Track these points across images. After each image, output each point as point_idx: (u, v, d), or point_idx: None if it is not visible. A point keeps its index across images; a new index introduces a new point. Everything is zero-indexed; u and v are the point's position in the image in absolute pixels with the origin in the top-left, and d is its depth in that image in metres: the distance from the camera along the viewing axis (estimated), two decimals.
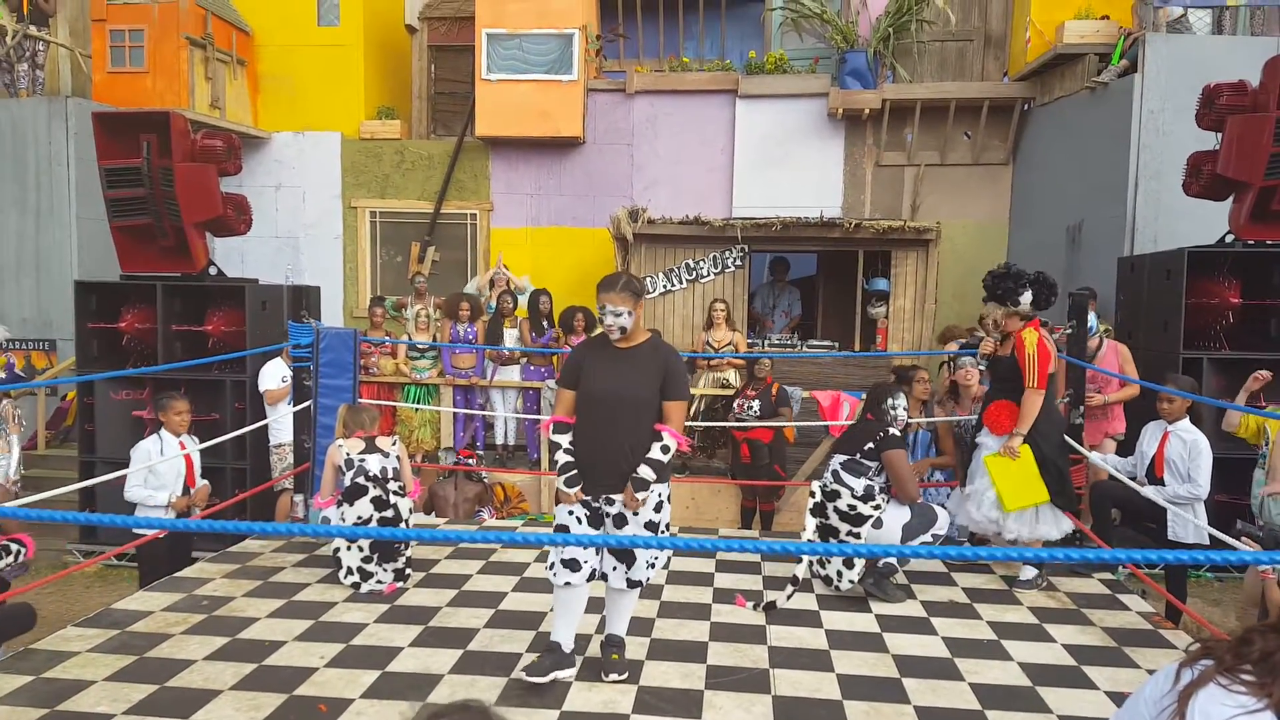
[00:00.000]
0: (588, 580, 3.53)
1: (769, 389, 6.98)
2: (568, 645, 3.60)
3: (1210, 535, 4.65)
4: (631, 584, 3.54)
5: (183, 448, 5.21)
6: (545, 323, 8.33)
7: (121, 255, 7.21)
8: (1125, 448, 5.98)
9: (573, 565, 3.50)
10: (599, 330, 3.50)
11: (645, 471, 3.44)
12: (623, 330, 3.48)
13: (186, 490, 5.22)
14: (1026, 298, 4.74)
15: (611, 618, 3.67)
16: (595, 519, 3.55)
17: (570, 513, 3.55)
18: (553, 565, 3.55)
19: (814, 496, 4.62)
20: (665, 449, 3.47)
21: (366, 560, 4.57)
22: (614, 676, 3.55)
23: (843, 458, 4.61)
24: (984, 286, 4.91)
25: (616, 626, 3.66)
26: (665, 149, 10.62)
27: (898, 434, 4.57)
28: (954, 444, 5.79)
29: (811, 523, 4.59)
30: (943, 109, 9.98)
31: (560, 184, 10.82)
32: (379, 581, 4.57)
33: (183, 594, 4.51)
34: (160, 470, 5.09)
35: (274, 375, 6.85)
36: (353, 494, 4.58)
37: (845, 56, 10.06)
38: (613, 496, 3.50)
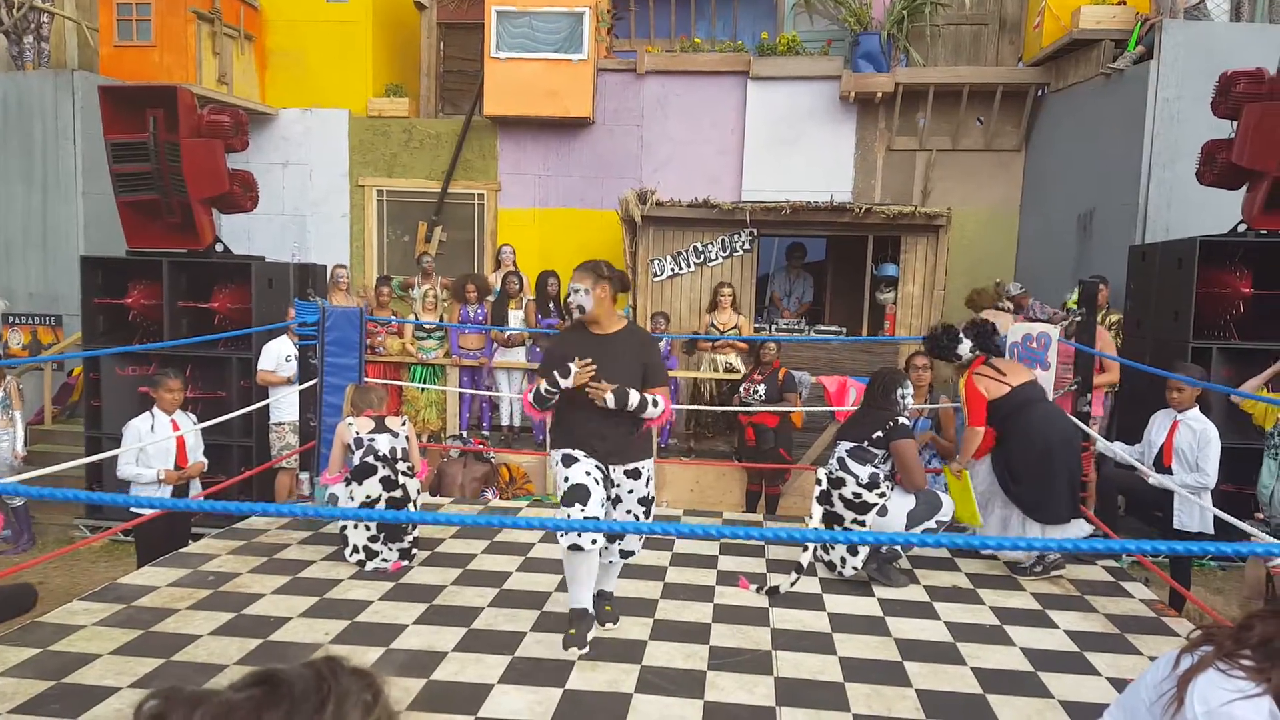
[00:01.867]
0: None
1: (775, 373, 6.97)
2: (591, 607, 3.75)
3: (1218, 521, 4.63)
4: (625, 554, 3.86)
5: (175, 426, 5.21)
6: (552, 305, 8.31)
7: (128, 231, 7.20)
8: (1128, 436, 5.95)
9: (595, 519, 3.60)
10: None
11: (634, 396, 3.55)
12: (580, 309, 3.64)
13: (177, 467, 5.23)
14: (964, 348, 4.88)
15: (603, 580, 3.88)
16: (605, 478, 3.63)
17: (588, 473, 3.54)
18: (566, 532, 3.49)
19: (820, 484, 4.61)
20: (655, 403, 3.62)
21: (373, 539, 4.58)
22: (609, 625, 3.84)
23: (849, 445, 4.59)
24: (925, 349, 5.07)
25: (607, 584, 3.93)
26: (675, 130, 10.55)
27: (907, 423, 4.55)
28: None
29: (818, 510, 4.59)
30: (956, 93, 9.90)
31: (569, 165, 10.77)
32: (384, 560, 4.59)
33: (188, 569, 4.52)
34: (149, 449, 5.11)
35: (272, 356, 6.83)
36: (362, 473, 4.58)
37: (858, 39, 9.97)
38: (625, 468, 3.68)
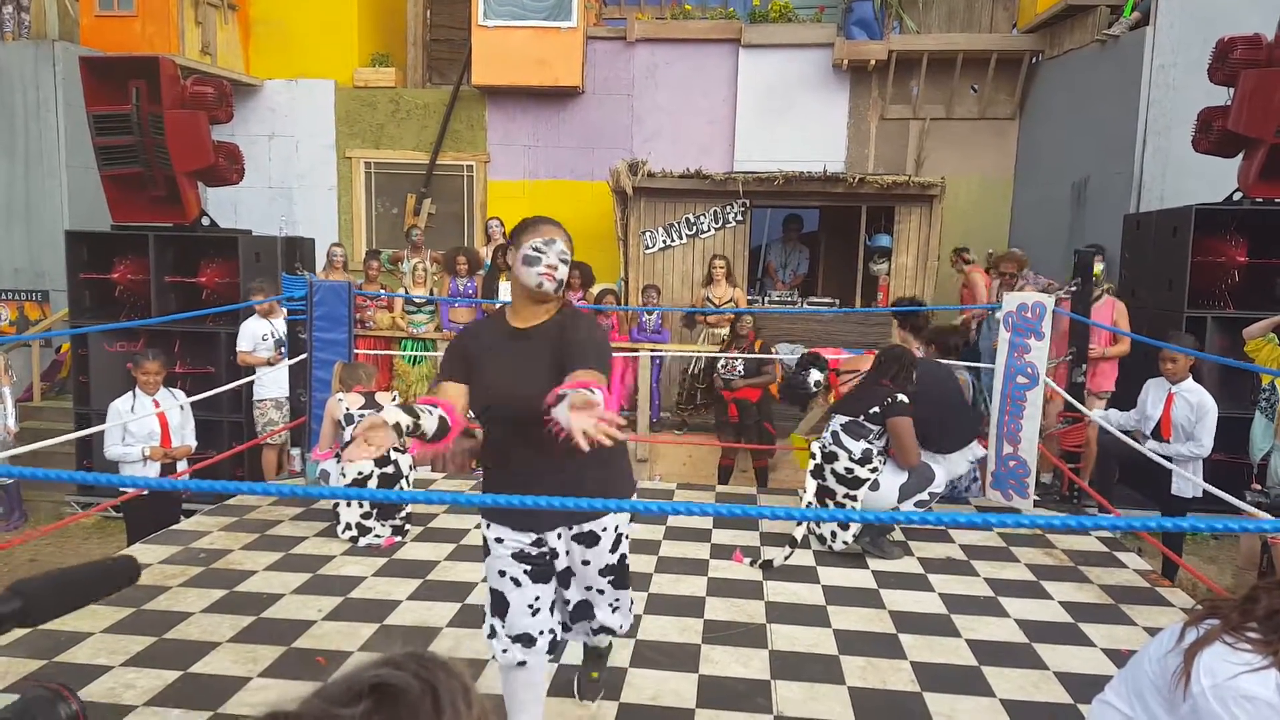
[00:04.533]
0: (549, 651, 2.64)
1: (752, 346, 6.95)
2: None
3: (1211, 493, 4.63)
4: (599, 633, 2.75)
5: (157, 406, 5.15)
6: None
7: (112, 205, 7.11)
8: (1122, 404, 5.94)
9: (525, 639, 2.57)
10: (534, 286, 2.43)
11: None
12: (560, 284, 2.44)
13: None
14: (814, 375, 5.13)
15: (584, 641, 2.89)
16: (540, 571, 2.58)
17: (502, 573, 2.55)
18: (494, 633, 2.60)
19: (814, 458, 4.60)
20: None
21: (365, 516, 4.55)
22: (585, 701, 3.00)
23: (844, 419, 4.56)
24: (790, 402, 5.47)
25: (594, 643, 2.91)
26: (666, 100, 10.42)
27: (906, 400, 4.49)
28: None
29: (811, 484, 4.58)
30: (950, 61, 9.78)
31: (559, 135, 10.64)
32: (377, 536, 4.56)
33: (180, 546, 4.50)
34: (133, 429, 5.05)
35: (249, 336, 6.74)
36: None
37: (851, 5, 9.82)
38: (574, 533, 2.54)
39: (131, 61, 6.96)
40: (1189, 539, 5.96)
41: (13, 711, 0.89)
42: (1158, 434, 5.01)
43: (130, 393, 5.13)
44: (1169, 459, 4.88)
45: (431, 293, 8.25)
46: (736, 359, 6.89)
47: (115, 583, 1.36)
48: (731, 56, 10.28)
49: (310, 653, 3.39)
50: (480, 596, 3.94)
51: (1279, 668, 1.53)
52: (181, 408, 5.31)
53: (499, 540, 2.55)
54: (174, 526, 4.86)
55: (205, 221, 7.23)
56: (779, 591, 4.06)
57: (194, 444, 5.45)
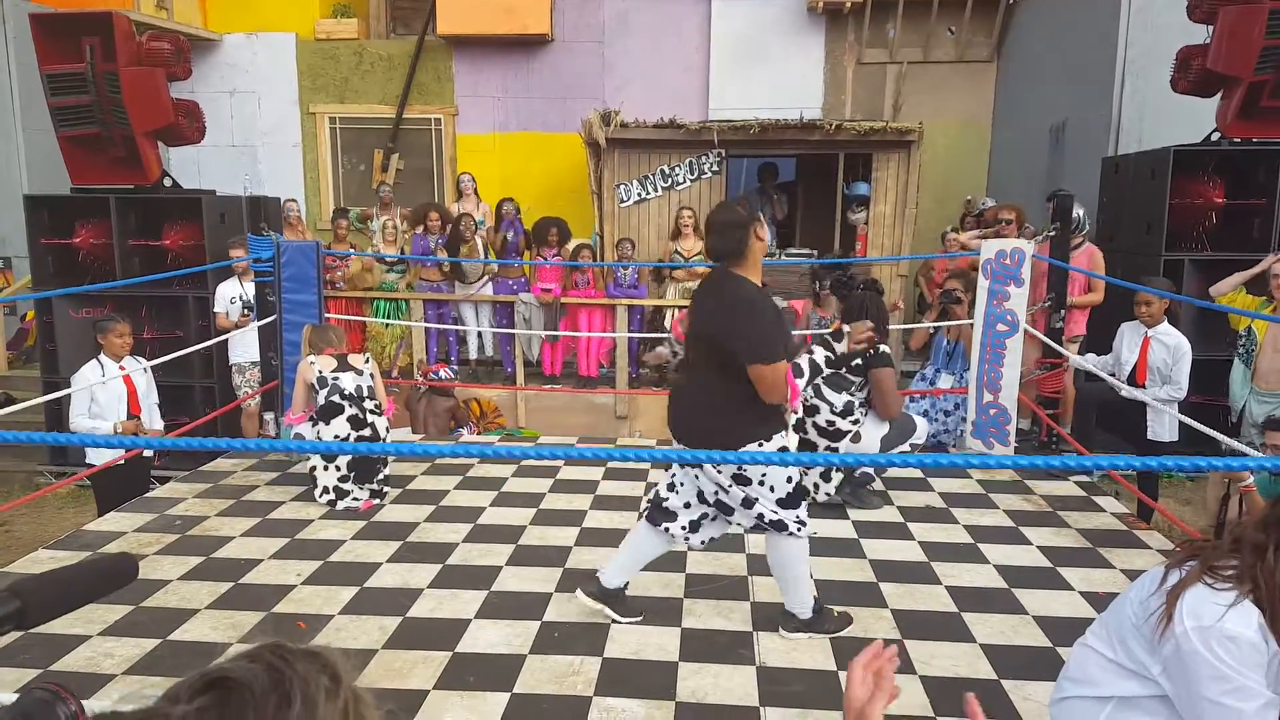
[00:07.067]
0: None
1: None
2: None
3: (1192, 430, 4.66)
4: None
5: (126, 378, 5.00)
6: (508, 228, 8.08)
7: (70, 167, 6.89)
8: (1098, 348, 5.96)
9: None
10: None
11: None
12: None
13: (131, 415, 5.04)
14: None
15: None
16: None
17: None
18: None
19: (795, 412, 4.57)
20: None
21: (343, 479, 4.49)
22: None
23: (827, 371, 4.53)
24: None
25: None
26: (638, 47, 10.19)
27: (887, 350, 4.46)
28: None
29: (793, 439, 4.55)
30: (926, 3, 9.61)
31: (528, 86, 10.40)
32: (355, 499, 4.52)
33: (154, 514, 4.43)
34: (100, 398, 4.90)
35: (221, 298, 6.65)
36: (328, 412, 4.47)
37: None
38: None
39: (84, 17, 6.69)
40: (1165, 482, 6.03)
41: (10, 715, 0.85)
42: (1133, 379, 5.02)
43: (95, 360, 4.97)
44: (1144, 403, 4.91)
45: (402, 251, 8.10)
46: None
47: (115, 581, 1.32)
48: (704, 1, 10.05)
49: (291, 617, 3.36)
50: (461, 557, 3.92)
51: (1255, 599, 1.53)
52: (145, 370, 5.16)
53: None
54: (148, 494, 4.78)
55: (167, 182, 7.04)
56: (760, 544, 4.03)
57: (161, 425, 5.29)
